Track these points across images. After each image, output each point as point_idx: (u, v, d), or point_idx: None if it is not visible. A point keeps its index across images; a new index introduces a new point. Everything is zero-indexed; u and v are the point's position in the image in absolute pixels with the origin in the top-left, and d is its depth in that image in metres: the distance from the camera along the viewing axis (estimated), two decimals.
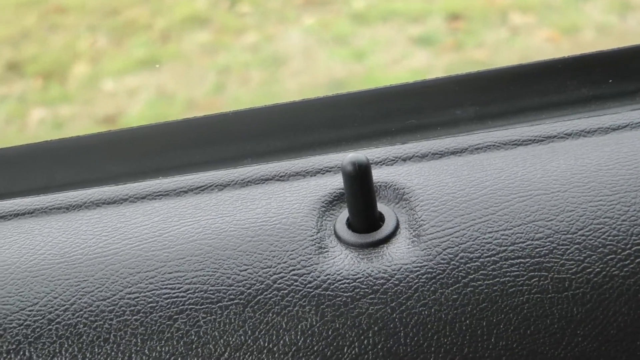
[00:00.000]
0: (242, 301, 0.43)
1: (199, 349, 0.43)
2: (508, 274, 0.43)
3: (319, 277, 0.44)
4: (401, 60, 1.52)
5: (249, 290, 0.44)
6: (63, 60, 1.64)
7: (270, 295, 0.43)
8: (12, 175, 0.64)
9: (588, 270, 0.43)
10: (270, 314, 0.43)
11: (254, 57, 1.58)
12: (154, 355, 0.43)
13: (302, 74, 1.50)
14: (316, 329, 0.43)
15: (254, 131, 0.64)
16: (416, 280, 0.43)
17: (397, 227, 0.46)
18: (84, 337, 0.43)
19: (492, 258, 0.44)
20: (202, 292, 0.44)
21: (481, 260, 0.44)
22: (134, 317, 0.44)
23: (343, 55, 1.56)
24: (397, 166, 0.50)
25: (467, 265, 0.44)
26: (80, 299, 0.44)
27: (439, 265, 0.44)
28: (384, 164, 0.51)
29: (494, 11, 1.62)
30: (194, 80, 1.54)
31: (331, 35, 1.62)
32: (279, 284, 0.44)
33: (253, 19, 1.71)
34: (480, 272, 0.43)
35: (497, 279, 0.43)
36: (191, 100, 1.48)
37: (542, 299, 0.43)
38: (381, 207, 0.47)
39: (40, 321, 0.44)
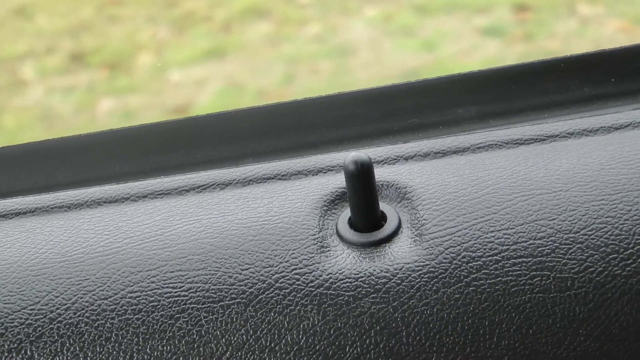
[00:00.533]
0: (243, 300, 0.43)
1: (201, 348, 0.43)
2: (510, 273, 0.43)
3: (320, 276, 0.44)
4: (472, 50, 1.51)
5: (250, 290, 0.44)
6: (126, 51, 1.64)
7: (272, 294, 0.43)
8: (13, 174, 0.64)
9: (590, 269, 0.43)
10: (272, 313, 0.43)
11: (320, 48, 1.56)
12: (155, 354, 0.43)
13: (372, 65, 1.48)
14: (318, 328, 0.43)
15: (255, 130, 0.64)
16: (418, 280, 0.43)
17: (399, 226, 0.46)
18: (86, 336, 0.43)
19: (494, 257, 0.44)
20: (203, 291, 0.44)
21: (483, 259, 0.44)
22: (136, 316, 0.43)
23: (411, 46, 1.55)
24: (399, 165, 0.50)
25: (469, 264, 0.43)
26: (81, 297, 0.44)
27: (441, 265, 0.44)
28: (386, 163, 0.51)
29: (561, 2, 1.60)
30: (261, 71, 1.53)
31: (396, 27, 1.61)
32: (280, 283, 0.44)
33: (313, 11, 1.70)
34: (483, 271, 0.43)
35: (499, 278, 0.43)
36: (261, 89, 1.47)
37: (544, 298, 0.43)
38: (383, 206, 0.47)
39: (42, 320, 0.44)
